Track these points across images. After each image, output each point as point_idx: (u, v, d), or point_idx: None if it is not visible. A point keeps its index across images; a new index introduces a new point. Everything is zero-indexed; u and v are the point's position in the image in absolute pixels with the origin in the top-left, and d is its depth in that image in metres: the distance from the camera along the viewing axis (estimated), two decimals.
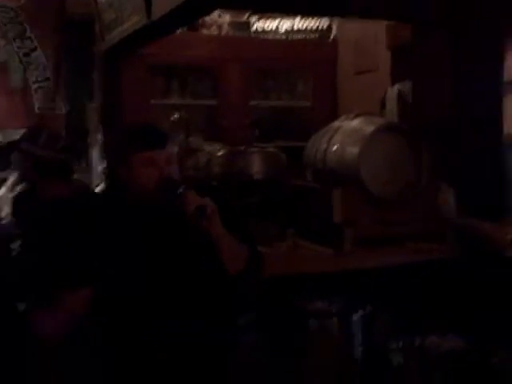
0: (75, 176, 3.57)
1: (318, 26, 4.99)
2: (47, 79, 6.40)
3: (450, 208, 2.88)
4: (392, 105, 3.64)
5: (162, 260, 2.05)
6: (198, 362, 2.07)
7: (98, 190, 4.32)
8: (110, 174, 2.21)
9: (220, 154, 3.36)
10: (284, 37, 5.01)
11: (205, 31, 4.81)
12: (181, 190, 1.97)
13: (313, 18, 4.95)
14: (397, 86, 3.66)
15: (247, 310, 2.61)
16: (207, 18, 4.70)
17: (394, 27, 3.91)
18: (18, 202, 3.31)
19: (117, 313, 2.06)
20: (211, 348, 2.08)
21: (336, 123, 3.20)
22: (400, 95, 3.63)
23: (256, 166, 3.31)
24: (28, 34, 6.24)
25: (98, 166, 5.67)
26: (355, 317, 2.34)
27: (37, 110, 6.34)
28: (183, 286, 2.05)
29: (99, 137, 5.15)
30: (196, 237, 2.01)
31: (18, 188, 3.62)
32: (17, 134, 7.19)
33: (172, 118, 4.53)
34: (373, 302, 2.48)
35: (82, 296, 2.05)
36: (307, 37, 5.02)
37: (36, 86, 6.33)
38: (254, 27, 5.03)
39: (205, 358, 2.08)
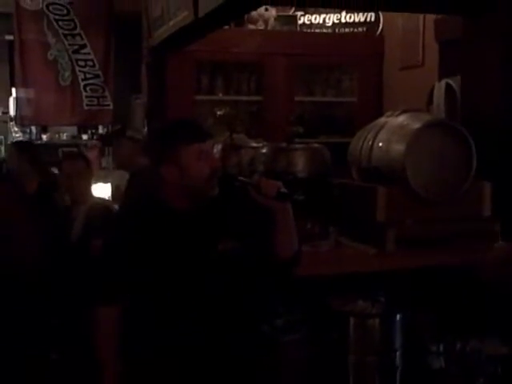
0: None
1: (365, 19, 4.92)
2: (96, 76, 6.50)
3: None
4: (439, 100, 3.56)
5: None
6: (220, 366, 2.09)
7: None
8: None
9: (263, 151, 3.34)
10: (331, 30, 4.96)
11: (251, 26, 4.81)
12: (241, 179, 2.09)
13: (360, 11, 4.88)
14: (445, 81, 3.57)
15: (288, 310, 2.60)
16: (253, 13, 4.69)
17: (443, 21, 3.82)
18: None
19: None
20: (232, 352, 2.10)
21: (382, 119, 3.15)
22: (448, 90, 3.54)
23: (300, 164, 3.27)
24: (78, 30, 6.36)
25: None
26: (397, 318, 2.30)
27: (85, 107, 6.46)
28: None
29: (144, 132, 5.21)
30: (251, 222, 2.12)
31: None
32: (65, 131, 7.41)
33: (216, 115, 4.54)
34: (415, 303, 2.43)
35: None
36: (354, 30, 4.96)
37: (85, 82, 6.44)
38: (301, 21, 5.00)
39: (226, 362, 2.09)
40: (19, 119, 6.48)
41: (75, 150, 7.17)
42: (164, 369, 2.07)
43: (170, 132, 2.14)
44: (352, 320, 2.34)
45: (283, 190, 2.05)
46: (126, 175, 4.33)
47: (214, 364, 2.07)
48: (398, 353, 2.32)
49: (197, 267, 2.06)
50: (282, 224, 2.09)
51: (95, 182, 4.27)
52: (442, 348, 2.24)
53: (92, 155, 7.32)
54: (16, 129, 7.56)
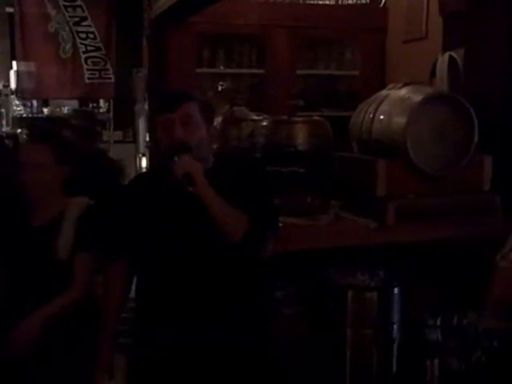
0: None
1: None
2: (97, 49, 6.45)
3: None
4: (442, 73, 3.51)
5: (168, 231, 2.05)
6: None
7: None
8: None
9: (264, 123, 3.32)
10: (333, 2, 4.89)
11: None
12: (177, 156, 1.98)
13: None
14: (448, 54, 3.53)
15: (287, 283, 2.61)
16: None
17: None
18: None
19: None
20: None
21: (383, 92, 3.12)
22: (451, 63, 3.50)
23: (300, 137, 3.25)
24: (79, 2, 6.30)
25: (145, 135, 5.73)
26: (395, 291, 2.30)
27: (87, 80, 6.42)
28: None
29: (146, 106, 5.18)
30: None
31: None
32: (67, 105, 7.37)
33: (218, 88, 4.51)
34: (413, 277, 2.43)
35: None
36: (358, 2, 4.89)
37: (86, 55, 6.40)
38: None
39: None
40: (20, 93, 6.46)
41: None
42: (163, 365, 2.07)
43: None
44: (350, 293, 2.35)
45: (184, 179, 1.95)
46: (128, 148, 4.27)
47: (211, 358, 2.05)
48: (395, 326, 2.34)
49: (185, 238, 2.04)
50: (207, 208, 1.97)
51: None
52: (439, 321, 2.25)
53: None
54: (17, 102, 7.53)
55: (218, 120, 3.26)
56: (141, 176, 2.70)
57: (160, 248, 2.06)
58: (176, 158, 1.98)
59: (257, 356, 2.12)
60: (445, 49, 3.67)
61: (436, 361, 2.23)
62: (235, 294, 2.07)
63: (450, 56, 3.51)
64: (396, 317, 2.31)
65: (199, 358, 2.04)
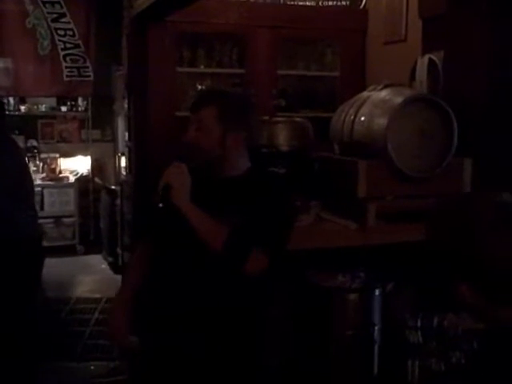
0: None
1: None
2: (76, 46, 6.39)
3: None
4: (422, 76, 3.54)
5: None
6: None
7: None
8: None
9: None
10: (314, 3, 4.90)
11: None
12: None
13: None
14: (428, 56, 3.55)
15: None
16: None
17: None
18: None
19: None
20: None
21: (364, 94, 3.13)
22: (431, 65, 3.53)
23: (281, 137, 3.26)
24: None
25: (124, 134, 5.68)
26: (376, 293, 2.31)
27: (65, 78, 6.36)
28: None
29: (125, 105, 5.13)
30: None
31: None
32: (44, 102, 7.28)
33: (198, 87, 4.49)
34: (395, 278, 2.44)
35: None
36: (338, 3, 4.90)
37: (64, 52, 6.33)
38: None
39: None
40: None
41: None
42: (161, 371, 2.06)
43: None
44: (332, 295, 2.35)
45: (160, 191, 1.90)
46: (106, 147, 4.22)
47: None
48: (376, 327, 2.34)
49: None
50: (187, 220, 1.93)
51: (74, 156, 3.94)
52: (419, 323, 2.26)
53: (71, 127, 7.25)
54: None
55: None
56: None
57: (162, 250, 2.09)
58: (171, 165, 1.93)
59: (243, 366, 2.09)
60: (424, 51, 3.69)
61: (416, 362, 2.25)
62: (221, 306, 2.01)
63: (430, 58, 3.54)
64: (377, 318, 2.32)
65: (187, 368, 2.02)
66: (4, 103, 3.59)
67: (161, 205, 1.90)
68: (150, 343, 2.10)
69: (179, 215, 1.92)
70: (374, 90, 3.09)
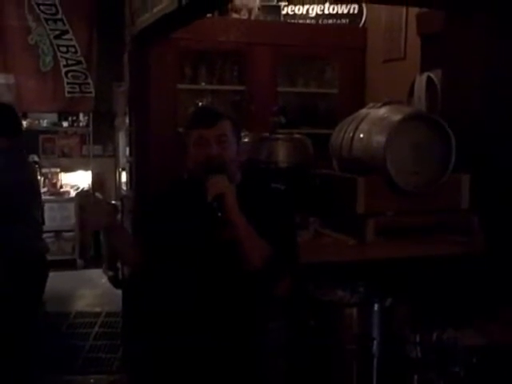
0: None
1: (348, 11, 4.94)
2: (78, 63, 6.44)
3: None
4: (420, 93, 3.58)
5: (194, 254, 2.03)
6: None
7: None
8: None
9: (246, 140, 3.35)
10: (314, 21, 4.97)
11: (235, 15, 4.79)
12: (212, 176, 1.90)
13: (343, 3, 4.89)
14: (426, 74, 3.60)
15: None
16: (237, 2, 4.68)
17: (425, 14, 3.84)
18: None
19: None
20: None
21: (363, 111, 3.17)
22: (429, 83, 3.57)
23: (281, 154, 3.29)
24: (60, 16, 6.29)
25: (125, 149, 5.71)
26: (375, 307, 2.33)
27: (67, 94, 6.41)
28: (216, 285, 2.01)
29: (126, 121, 5.17)
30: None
31: None
32: (45, 117, 7.31)
33: (199, 104, 4.53)
34: (393, 293, 2.46)
35: None
36: (337, 22, 4.97)
37: (66, 69, 6.38)
38: (285, 11, 4.99)
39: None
40: None
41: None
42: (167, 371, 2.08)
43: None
44: (330, 309, 2.37)
45: (214, 202, 1.87)
46: (107, 163, 4.25)
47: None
48: (375, 342, 2.36)
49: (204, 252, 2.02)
50: (236, 233, 1.90)
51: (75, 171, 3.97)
52: (418, 338, 2.28)
53: (72, 142, 7.29)
54: None
55: None
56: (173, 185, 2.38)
57: (174, 265, 2.06)
58: (209, 178, 1.91)
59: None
60: (423, 69, 3.74)
61: (415, 376, 2.26)
62: (240, 323, 2.05)
63: (428, 76, 3.58)
64: (376, 332, 2.33)
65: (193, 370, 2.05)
66: (21, 123, 3.61)
67: (219, 214, 1.86)
68: (156, 346, 2.11)
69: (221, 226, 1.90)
70: (372, 107, 3.13)
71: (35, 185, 3.55)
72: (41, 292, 3.38)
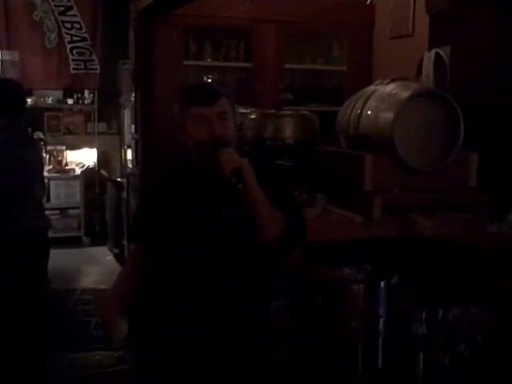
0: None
1: None
2: (83, 39, 6.41)
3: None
4: (428, 70, 3.54)
5: (197, 229, 2.00)
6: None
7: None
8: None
9: (252, 117, 3.33)
10: None
11: None
12: (220, 152, 1.89)
13: None
14: (434, 51, 3.55)
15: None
16: None
17: None
18: None
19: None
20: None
21: (370, 88, 3.14)
22: (438, 60, 3.53)
23: (288, 130, 3.26)
24: None
25: (130, 127, 5.70)
26: (381, 285, 2.32)
27: (72, 71, 6.38)
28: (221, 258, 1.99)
29: (131, 98, 5.15)
30: (233, 202, 1.92)
31: None
32: (51, 95, 7.29)
33: (205, 80, 4.50)
34: (399, 271, 2.45)
35: None
36: None
37: (71, 45, 6.35)
38: None
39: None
40: None
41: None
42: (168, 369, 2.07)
43: (178, 97, 2.08)
44: (337, 286, 2.36)
45: (233, 176, 1.85)
46: (112, 140, 4.23)
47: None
48: (381, 319, 2.36)
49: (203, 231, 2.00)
50: (251, 206, 1.89)
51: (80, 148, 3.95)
52: (424, 315, 2.27)
53: (77, 120, 7.28)
54: None
55: None
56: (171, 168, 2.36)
57: (177, 246, 2.04)
58: (220, 154, 1.89)
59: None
60: (431, 46, 3.70)
61: (421, 354, 2.26)
62: (247, 297, 2.03)
63: (436, 53, 3.54)
64: (382, 310, 2.33)
65: (194, 364, 2.03)
66: (26, 101, 3.57)
67: (240, 186, 1.85)
68: (155, 339, 2.10)
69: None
70: (380, 84, 3.09)
71: (38, 164, 3.51)
72: (44, 270, 3.38)
